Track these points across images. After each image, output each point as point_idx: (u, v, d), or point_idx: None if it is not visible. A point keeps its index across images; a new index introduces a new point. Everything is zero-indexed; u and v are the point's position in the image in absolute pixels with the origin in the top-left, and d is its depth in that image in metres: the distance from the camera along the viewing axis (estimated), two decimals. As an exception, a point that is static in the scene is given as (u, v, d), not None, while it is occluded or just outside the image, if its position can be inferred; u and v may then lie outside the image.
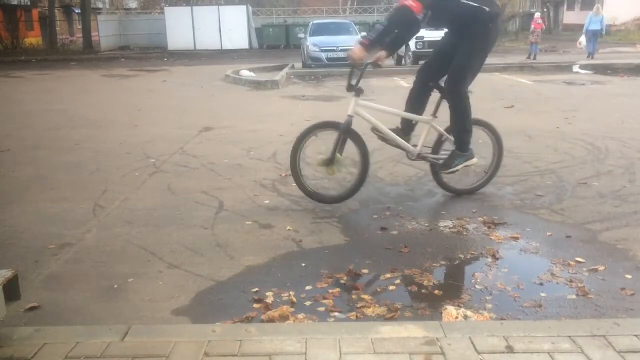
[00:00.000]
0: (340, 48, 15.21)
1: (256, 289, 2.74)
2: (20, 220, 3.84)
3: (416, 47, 16.05)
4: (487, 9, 3.71)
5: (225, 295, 2.71)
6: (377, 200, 4.11)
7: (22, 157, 5.74)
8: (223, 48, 26.80)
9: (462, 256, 3.13)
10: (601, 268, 2.91)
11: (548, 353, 2.01)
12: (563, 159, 5.16)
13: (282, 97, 10.47)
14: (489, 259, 3.06)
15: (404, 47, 16.78)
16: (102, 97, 10.89)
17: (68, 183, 4.73)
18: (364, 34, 17.85)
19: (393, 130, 4.03)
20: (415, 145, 4.05)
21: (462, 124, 3.93)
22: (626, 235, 3.35)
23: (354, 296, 2.67)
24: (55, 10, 30.07)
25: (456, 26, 3.94)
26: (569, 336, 2.11)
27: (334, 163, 3.89)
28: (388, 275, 2.89)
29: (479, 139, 4.31)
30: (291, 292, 2.70)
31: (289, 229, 3.56)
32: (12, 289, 2.22)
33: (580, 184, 4.38)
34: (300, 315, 2.49)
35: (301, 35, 18.36)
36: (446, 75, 3.88)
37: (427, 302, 2.60)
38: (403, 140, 4.02)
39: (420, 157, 4.06)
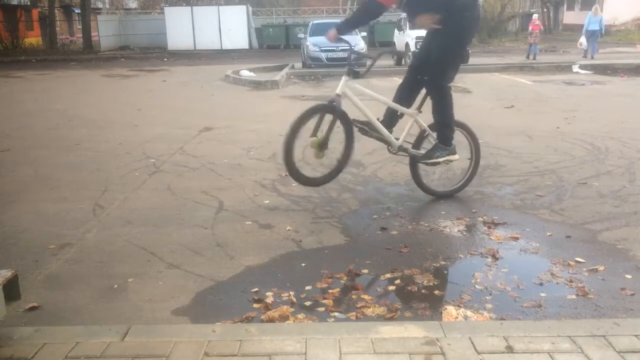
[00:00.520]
0: (340, 48, 15.19)
1: (256, 289, 2.74)
2: (20, 220, 3.84)
3: (416, 47, 16.03)
4: None
5: (225, 295, 2.71)
6: (377, 200, 4.11)
7: (22, 157, 5.74)
8: (223, 48, 26.78)
9: (462, 256, 3.13)
10: (601, 268, 2.91)
11: (548, 353, 2.01)
12: (563, 159, 5.17)
13: (282, 97, 10.47)
14: (489, 259, 3.06)
15: (404, 47, 16.83)
16: (102, 97, 10.89)
17: (68, 183, 4.72)
18: (364, 34, 17.90)
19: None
20: (397, 138, 4.00)
21: (444, 118, 3.92)
22: (626, 235, 3.36)
23: (354, 296, 2.67)
24: (55, 10, 30.09)
25: (444, 15, 3.87)
26: (569, 336, 2.11)
27: (326, 146, 3.81)
28: (388, 275, 2.89)
29: (457, 141, 4.23)
30: (291, 292, 2.70)
31: (289, 229, 3.56)
32: (12, 289, 2.22)
33: (580, 184, 4.38)
34: (300, 315, 2.49)
35: (301, 35, 18.35)
36: None
37: (427, 302, 2.60)
38: (387, 132, 3.96)
39: (401, 149, 4.00)
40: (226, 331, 2.23)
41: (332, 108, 3.76)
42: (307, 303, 2.61)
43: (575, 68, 14.34)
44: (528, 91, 10.57)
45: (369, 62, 3.92)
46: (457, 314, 2.45)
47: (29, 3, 32.04)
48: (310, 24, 18.46)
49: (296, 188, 4.16)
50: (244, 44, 27.19)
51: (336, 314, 2.52)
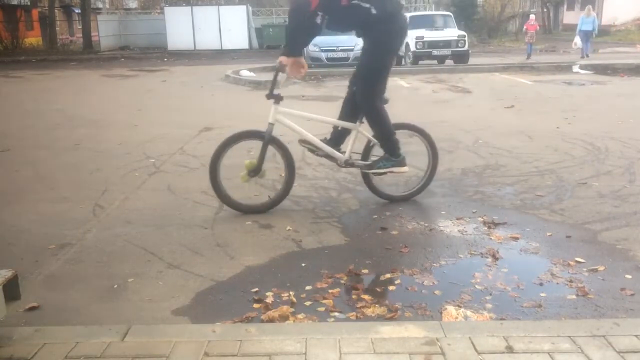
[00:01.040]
0: (340, 48, 15.22)
1: (256, 289, 2.74)
2: (20, 220, 3.84)
3: (416, 47, 16.06)
4: (375, 11, 3.51)
5: (225, 295, 2.71)
6: (377, 200, 4.11)
7: (22, 157, 5.74)
8: (223, 48, 26.78)
9: (462, 256, 3.13)
10: (601, 268, 2.91)
11: (548, 353, 2.01)
12: (563, 159, 5.17)
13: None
14: (489, 259, 3.06)
15: (404, 47, 16.79)
16: (102, 97, 10.89)
17: (68, 183, 4.72)
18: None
19: (322, 141, 3.93)
20: (343, 153, 3.93)
21: (381, 133, 3.84)
22: (626, 235, 3.36)
23: (354, 296, 2.67)
24: (55, 10, 30.09)
25: (356, 30, 3.86)
26: (569, 336, 2.11)
27: (260, 173, 3.82)
28: (388, 275, 2.89)
29: (413, 146, 4.24)
30: (291, 292, 2.70)
31: (289, 229, 3.56)
32: (12, 289, 2.22)
33: (580, 184, 4.38)
34: (300, 315, 2.49)
35: (301, 35, 18.34)
36: None
37: (427, 302, 2.60)
38: (331, 148, 3.90)
39: (348, 164, 3.93)
40: (226, 331, 2.23)
41: (258, 134, 3.80)
42: (307, 303, 2.61)
43: (575, 68, 14.35)
44: (528, 91, 10.57)
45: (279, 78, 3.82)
46: (457, 314, 2.45)
47: (29, 3, 32.05)
48: (311, 24, 18.44)
49: (296, 188, 4.16)
50: (244, 44, 27.19)
51: (336, 314, 2.51)
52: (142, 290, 2.78)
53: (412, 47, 16.09)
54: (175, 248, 3.30)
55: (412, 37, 16.18)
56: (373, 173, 3.97)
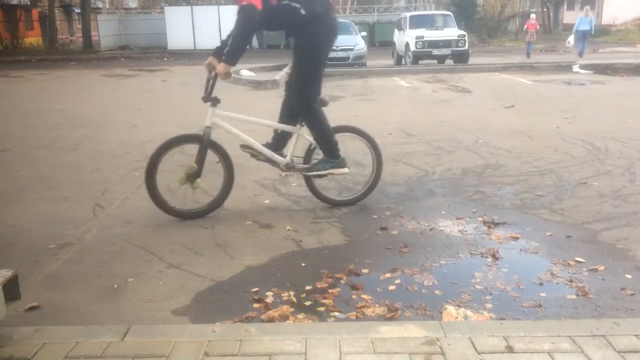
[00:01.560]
0: (340, 48, 15.18)
1: (256, 289, 2.74)
2: (20, 220, 3.84)
3: (416, 47, 16.05)
4: (304, 11, 3.50)
5: (225, 295, 2.71)
6: (377, 200, 4.11)
7: (22, 157, 5.74)
8: (223, 48, 26.76)
9: (462, 256, 3.13)
10: (601, 268, 2.91)
11: (548, 353, 2.01)
12: (563, 159, 5.17)
13: (282, 97, 10.43)
14: (489, 259, 3.06)
15: (404, 47, 16.80)
16: (102, 97, 10.89)
17: (68, 183, 4.73)
18: (364, 33, 17.89)
19: (264, 145, 3.90)
20: (285, 156, 3.90)
21: (319, 135, 3.81)
22: (626, 235, 3.36)
23: (354, 296, 2.67)
24: (55, 10, 30.09)
25: (285, 30, 3.85)
26: (569, 336, 2.11)
27: (198, 175, 3.76)
28: (388, 275, 2.89)
29: (356, 149, 4.21)
30: (291, 292, 2.70)
31: (289, 229, 3.56)
32: (12, 289, 2.22)
33: (580, 184, 4.38)
34: (300, 315, 2.49)
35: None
36: None
37: (427, 302, 2.60)
38: (271, 152, 3.87)
39: (289, 167, 3.89)
40: (226, 331, 2.23)
41: (196, 137, 3.77)
42: (307, 303, 2.61)
43: (576, 68, 14.36)
44: (528, 91, 10.57)
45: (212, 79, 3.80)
46: (457, 314, 2.45)
47: (29, 3, 32.03)
48: (310, 23, 18.42)
49: (296, 188, 4.16)
50: (244, 44, 27.15)
51: (336, 314, 2.52)
52: (142, 290, 2.78)
53: (412, 47, 16.08)
54: (175, 248, 3.30)
55: (412, 36, 16.20)
56: (313, 176, 3.91)
